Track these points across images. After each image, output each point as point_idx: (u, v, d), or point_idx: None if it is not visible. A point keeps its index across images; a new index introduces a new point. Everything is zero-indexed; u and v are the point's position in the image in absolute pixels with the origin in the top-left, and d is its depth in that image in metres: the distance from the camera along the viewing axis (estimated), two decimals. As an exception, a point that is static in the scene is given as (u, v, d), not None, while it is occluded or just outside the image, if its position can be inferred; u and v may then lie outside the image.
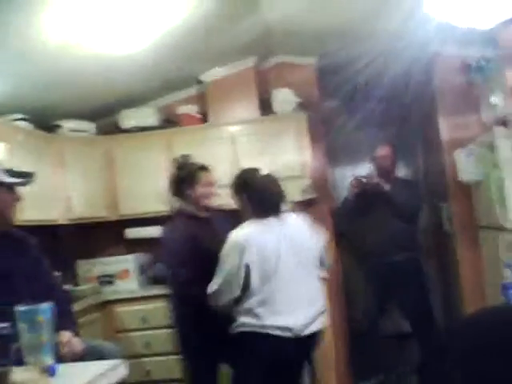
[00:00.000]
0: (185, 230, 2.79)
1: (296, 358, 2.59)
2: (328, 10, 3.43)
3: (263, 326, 2.43)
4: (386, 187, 3.94)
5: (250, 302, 2.45)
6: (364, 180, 3.99)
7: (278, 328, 2.41)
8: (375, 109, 5.13)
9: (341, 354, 4.11)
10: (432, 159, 4.78)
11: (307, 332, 2.47)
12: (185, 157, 2.96)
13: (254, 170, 2.67)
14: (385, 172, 4.03)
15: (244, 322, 2.48)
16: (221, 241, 2.58)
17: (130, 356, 1.80)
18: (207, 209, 2.95)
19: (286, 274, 2.48)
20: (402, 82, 4.38)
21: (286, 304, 2.46)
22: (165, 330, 3.71)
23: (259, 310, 2.44)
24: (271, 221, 2.55)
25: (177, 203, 2.92)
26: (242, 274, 2.43)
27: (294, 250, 2.53)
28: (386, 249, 3.90)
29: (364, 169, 4.27)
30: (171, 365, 3.75)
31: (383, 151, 4.09)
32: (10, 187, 2.04)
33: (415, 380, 4.06)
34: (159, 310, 3.84)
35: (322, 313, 2.58)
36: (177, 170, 2.91)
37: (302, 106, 4.34)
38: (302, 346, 2.51)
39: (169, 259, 2.86)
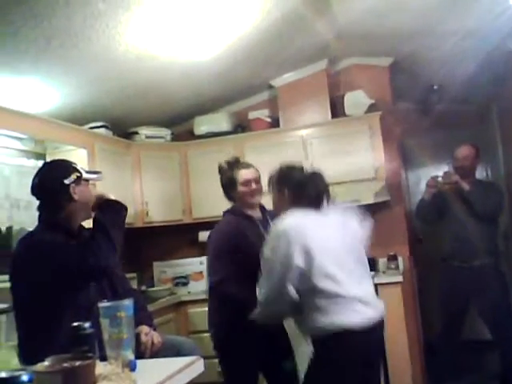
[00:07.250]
0: (228, 227, 2.77)
1: (380, 345, 2.40)
2: (401, 10, 3.36)
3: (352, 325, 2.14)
4: (466, 187, 3.72)
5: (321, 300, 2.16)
6: (441, 179, 3.83)
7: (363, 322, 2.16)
8: (451, 109, 4.96)
9: (416, 361, 4.00)
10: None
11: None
12: (227, 162, 2.93)
13: (295, 165, 2.46)
14: (465, 173, 3.80)
15: (324, 325, 2.17)
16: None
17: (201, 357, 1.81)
18: (262, 209, 2.89)
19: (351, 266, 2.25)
20: (480, 81, 4.21)
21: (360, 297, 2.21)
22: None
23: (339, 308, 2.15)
24: (312, 213, 2.29)
25: (230, 205, 2.92)
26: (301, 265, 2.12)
27: (352, 245, 2.32)
28: (465, 253, 3.73)
29: (440, 171, 4.11)
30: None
31: (465, 151, 3.87)
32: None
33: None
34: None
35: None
36: (220, 176, 2.92)
37: (375, 107, 4.26)
38: (381, 332, 2.31)
39: (209, 256, 2.80)
